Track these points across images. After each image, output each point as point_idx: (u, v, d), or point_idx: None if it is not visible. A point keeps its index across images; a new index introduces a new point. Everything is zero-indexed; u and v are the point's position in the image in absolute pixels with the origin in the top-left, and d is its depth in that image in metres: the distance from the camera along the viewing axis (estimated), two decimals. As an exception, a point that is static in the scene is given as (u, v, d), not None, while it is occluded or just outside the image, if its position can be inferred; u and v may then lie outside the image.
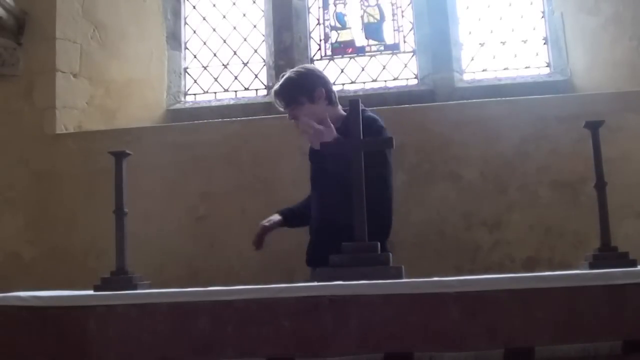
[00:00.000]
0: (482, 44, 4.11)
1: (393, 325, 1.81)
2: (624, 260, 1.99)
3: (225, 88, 4.29)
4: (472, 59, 4.09)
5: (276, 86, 2.87)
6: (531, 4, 4.13)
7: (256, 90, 4.24)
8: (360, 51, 4.21)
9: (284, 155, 3.58)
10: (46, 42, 3.90)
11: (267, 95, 4.16)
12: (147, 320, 1.90)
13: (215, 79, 4.31)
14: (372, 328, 1.82)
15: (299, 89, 2.79)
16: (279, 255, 3.27)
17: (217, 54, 4.34)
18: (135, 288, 2.07)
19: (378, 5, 4.25)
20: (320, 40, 4.24)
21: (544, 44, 4.05)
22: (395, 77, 4.13)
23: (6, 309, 1.96)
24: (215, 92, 4.30)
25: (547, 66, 4.03)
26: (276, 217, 3.00)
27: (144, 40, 4.20)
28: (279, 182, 3.57)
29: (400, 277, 1.98)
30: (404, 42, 4.17)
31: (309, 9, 4.25)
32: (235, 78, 4.28)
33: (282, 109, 2.86)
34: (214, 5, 4.39)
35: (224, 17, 4.36)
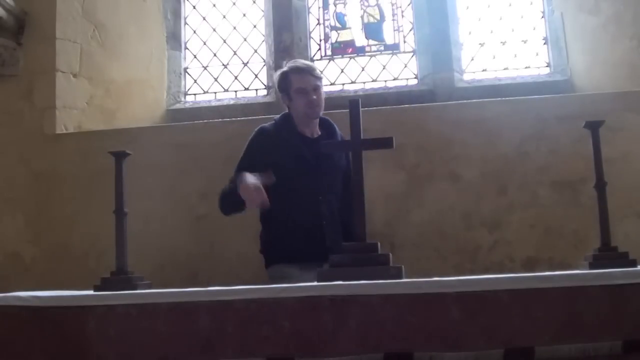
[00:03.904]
0: (482, 44, 4.11)
1: (393, 325, 1.81)
2: (624, 260, 1.99)
3: (225, 88, 4.29)
4: (472, 59, 4.09)
5: (307, 61, 3.19)
6: (531, 4, 4.13)
7: (256, 90, 4.24)
8: (360, 51, 4.21)
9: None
10: (46, 42, 3.89)
11: (267, 95, 4.17)
12: (147, 320, 1.91)
13: (215, 79, 4.31)
14: (372, 328, 1.82)
15: None
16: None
17: (217, 54, 4.34)
18: (135, 288, 2.07)
19: (378, 5, 4.25)
20: (320, 40, 4.23)
21: (544, 44, 4.05)
22: (395, 77, 4.13)
23: (6, 309, 1.96)
24: (215, 92, 4.30)
25: (547, 66, 4.03)
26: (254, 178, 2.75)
27: (144, 40, 4.20)
28: (278, 182, 3.57)
29: (400, 277, 1.98)
30: (404, 42, 4.17)
31: (309, 9, 4.25)
32: (235, 78, 4.28)
33: (314, 76, 2.96)
34: (214, 5, 4.39)
35: (224, 17, 4.36)
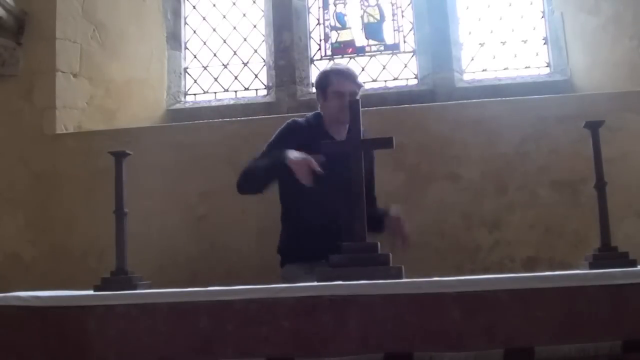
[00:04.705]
0: (482, 44, 4.11)
1: (393, 325, 1.81)
2: (624, 260, 1.99)
3: (225, 88, 4.28)
4: (472, 59, 4.09)
5: (350, 68, 3.08)
6: (531, 4, 4.13)
7: (256, 90, 4.24)
8: (360, 51, 4.21)
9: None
10: (46, 42, 3.89)
11: (267, 95, 4.17)
12: (147, 320, 1.91)
13: (215, 79, 4.31)
14: (372, 328, 1.82)
15: None
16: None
17: (217, 54, 4.33)
18: (135, 288, 2.07)
19: (378, 5, 4.25)
20: (320, 40, 4.23)
21: (544, 44, 4.05)
22: (395, 77, 4.13)
23: (6, 309, 1.97)
24: (215, 92, 4.30)
25: (547, 66, 4.03)
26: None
27: (144, 40, 4.20)
28: (278, 182, 3.57)
29: (400, 277, 1.99)
30: (404, 42, 4.17)
31: (309, 9, 4.24)
32: (235, 78, 4.28)
33: (355, 84, 2.94)
34: (214, 5, 4.39)
35: (224, 17, 4.36)
